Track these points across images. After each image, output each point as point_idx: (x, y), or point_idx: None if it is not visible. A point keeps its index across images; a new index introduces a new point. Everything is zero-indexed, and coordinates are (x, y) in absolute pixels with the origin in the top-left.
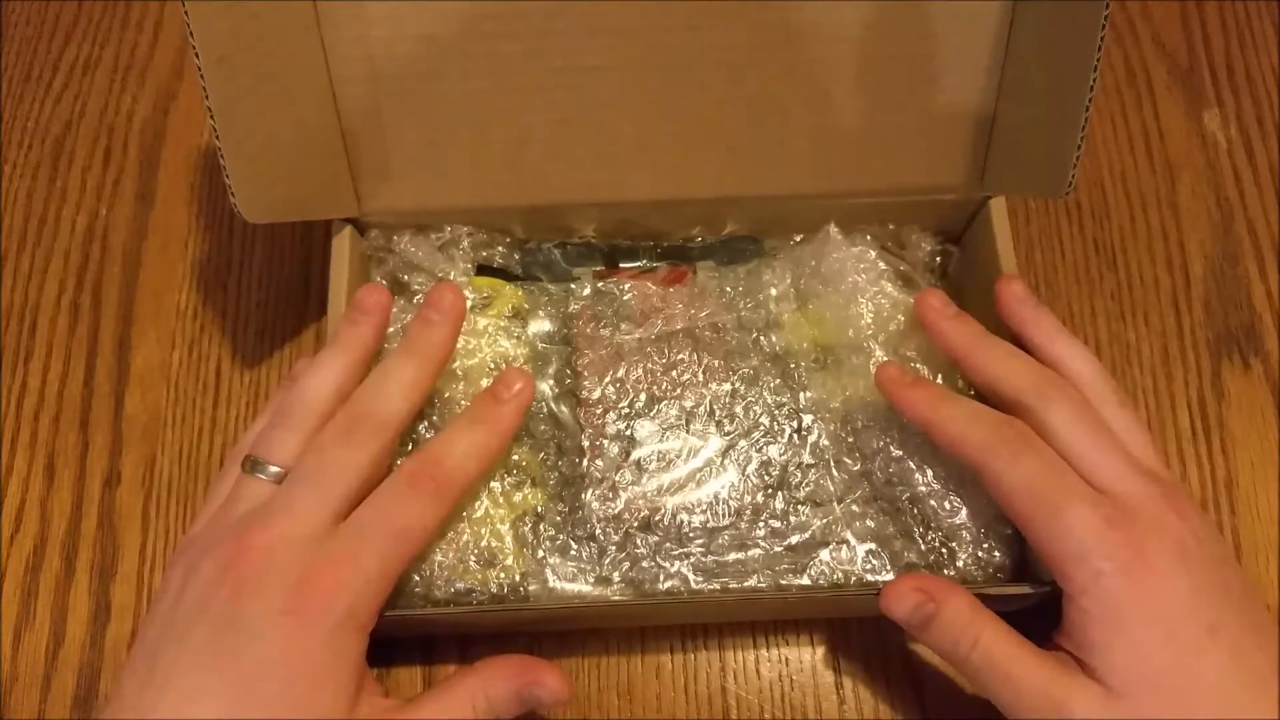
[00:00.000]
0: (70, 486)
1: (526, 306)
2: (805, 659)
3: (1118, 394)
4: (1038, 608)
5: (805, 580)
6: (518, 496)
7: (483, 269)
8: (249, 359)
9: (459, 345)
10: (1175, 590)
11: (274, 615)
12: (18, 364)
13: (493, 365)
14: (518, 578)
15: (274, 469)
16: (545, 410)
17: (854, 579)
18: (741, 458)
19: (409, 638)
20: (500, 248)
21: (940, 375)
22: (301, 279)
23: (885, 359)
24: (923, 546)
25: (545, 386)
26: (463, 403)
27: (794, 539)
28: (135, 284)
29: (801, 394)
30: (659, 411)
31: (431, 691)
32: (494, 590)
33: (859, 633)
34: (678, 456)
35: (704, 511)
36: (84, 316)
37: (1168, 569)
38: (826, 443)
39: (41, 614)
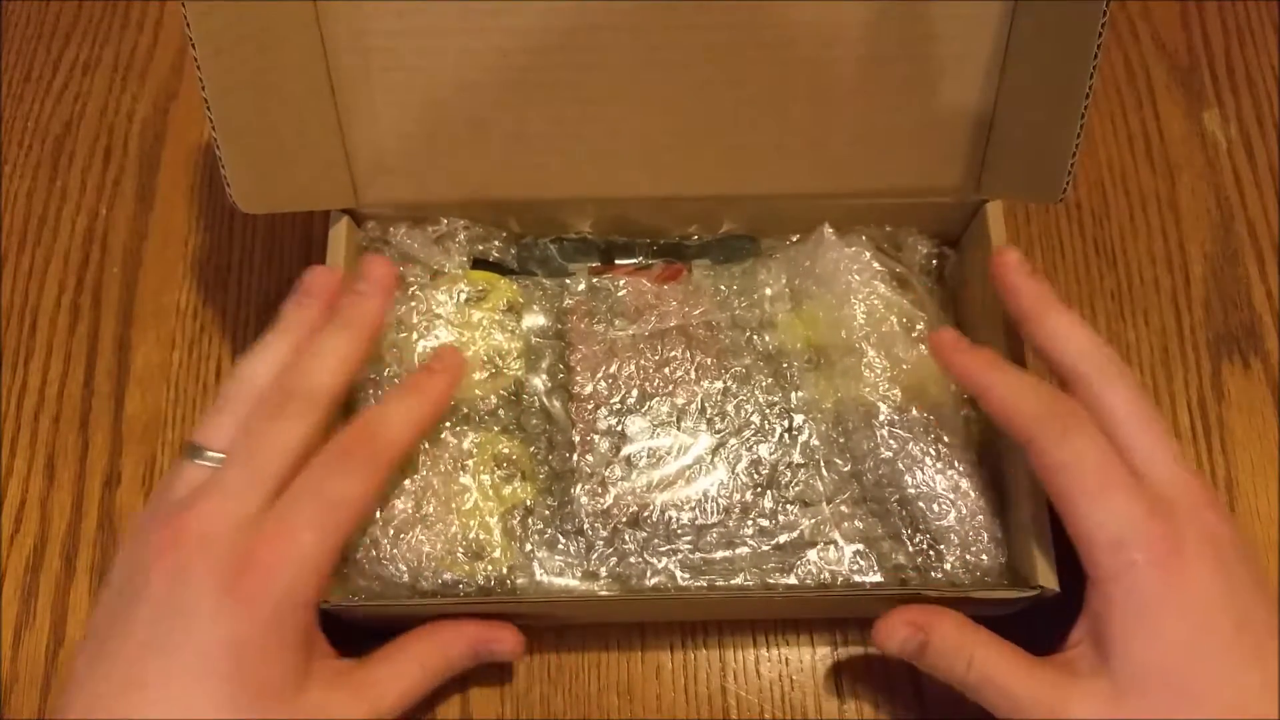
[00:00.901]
0: (70, 486)
1: (521, 301)
2: (805, 659)
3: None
4: (1028, 614)
5: (792, 580)
6: (507, 490)
7: (478, 262)
8: None
9: (453, 338)
10: (1207, 588)
11: (215, 596)
12: (18, 364)
13: (486, 358)
14: (505, 570)
15: (212, 454)
16: (537, 405)
17: (841, 579)
18: (731, 456)
19: (398, 630)
20: (496, 242)
21: (936, 379)
22: None
23: (877, 360)
24: (910, 548)
25: (538, 381)
26: (454, 396)
27: (782, 538)
28: (135, 284)
29: (793, 394)
30: (650, 408)
31: (388, 648)
32: (481, 582)
33: (859, 633)
34: (668, 453)
35: (693, 509)
36: (84, 316)
37: (1201, 566)
38: (817, 443)
39: (41, 614)
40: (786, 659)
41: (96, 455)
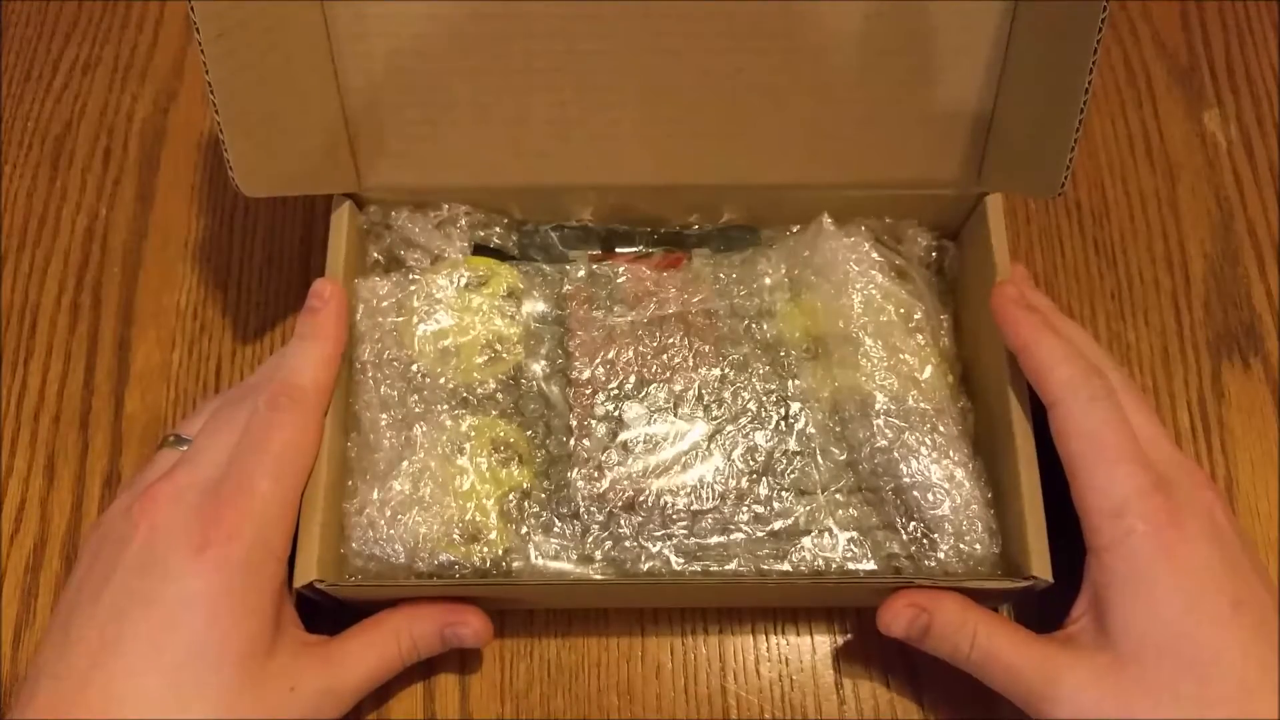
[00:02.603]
0: (70, 486)
1: (521, 287)
2: (805, 659)
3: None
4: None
5: (786, 567)
6: (504, 473)
7: (479, 248)
8: (249, 358)
9: (453, 322)
10: (1205, 561)
11: (186, 554)
12: (18, 364)
13: (485, 343)
14: (501, 553)
15: (189, 440)
16: (535, 389)
17: (835, 567)
18: (728, 443)
19: None
20: (497, 228)
21: (933, 369)
22: (302, 278)
23: (875, 350)
24: (904, 537)
25: (537, 366)
26: (453, 380)
27: (777, 525)
28: (135, 284)
29: (790, 382)
30: (648, 394)
31: (357, 627)
32: (477, 564)
33: (859, 632)
34: (665, 439)
35: (688, 494)
36: (84, 316)
37: (1199, 540)
38: (813, 431)
39: (42, 614)
40: (786, 659)
41: (96, 455)
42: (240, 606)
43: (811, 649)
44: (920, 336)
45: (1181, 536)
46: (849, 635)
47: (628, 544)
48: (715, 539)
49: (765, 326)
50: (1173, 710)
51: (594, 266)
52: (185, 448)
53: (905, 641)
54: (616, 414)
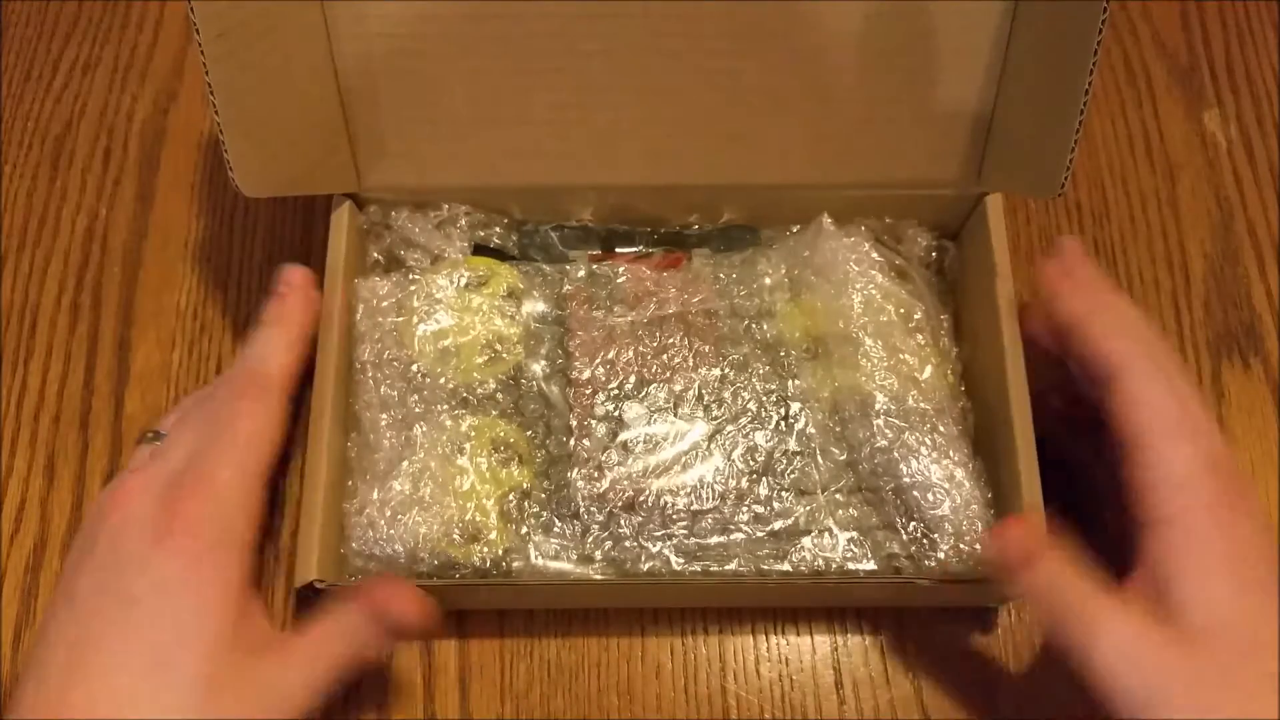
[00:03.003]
0: (70, 486)
1: (521, 286)
2: (805, 659)
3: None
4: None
5: (786, 567)
6: (504, 473)
7: (479, 248)
8: None
9: (453, 322)
10: (1259, 541)
11: (149, 545)
12: (18, 364)
13: (485, 343)
14: (501, 553)
15: (164, 436)
16: (535, 389)
17: (835, 567)
18: (728, 443)
19: None
20: (497, 228)
21: (933, 369)
22: None
23: (875, 350)
24: (904, 537)
25: (537, 366)
26: (453, 380)
27: (777, 525)
28: (135, 284)
29: (790, 382)
30: (648, 394)
31: (316, 621)
32: (477, 564)
33: (859, 632)
34: (665, 439)
35: (688, 494)
36: (84, 316)
37: (1252, 521)
38: (813, 431)
39: (41, 614)
40: (786, 659)
41: (96, 455)
42: (202, 594)
43: (811, 649)
44: (920, 336)
45: (1238, 517)
46: (849, 635)
47: (628, 544)
48: (715, 539)
49: (765, 326)
50: (1243, 684)
51: (594, 267)
52: (160, 443)
53: (1005, 564)
54: (616, 414)
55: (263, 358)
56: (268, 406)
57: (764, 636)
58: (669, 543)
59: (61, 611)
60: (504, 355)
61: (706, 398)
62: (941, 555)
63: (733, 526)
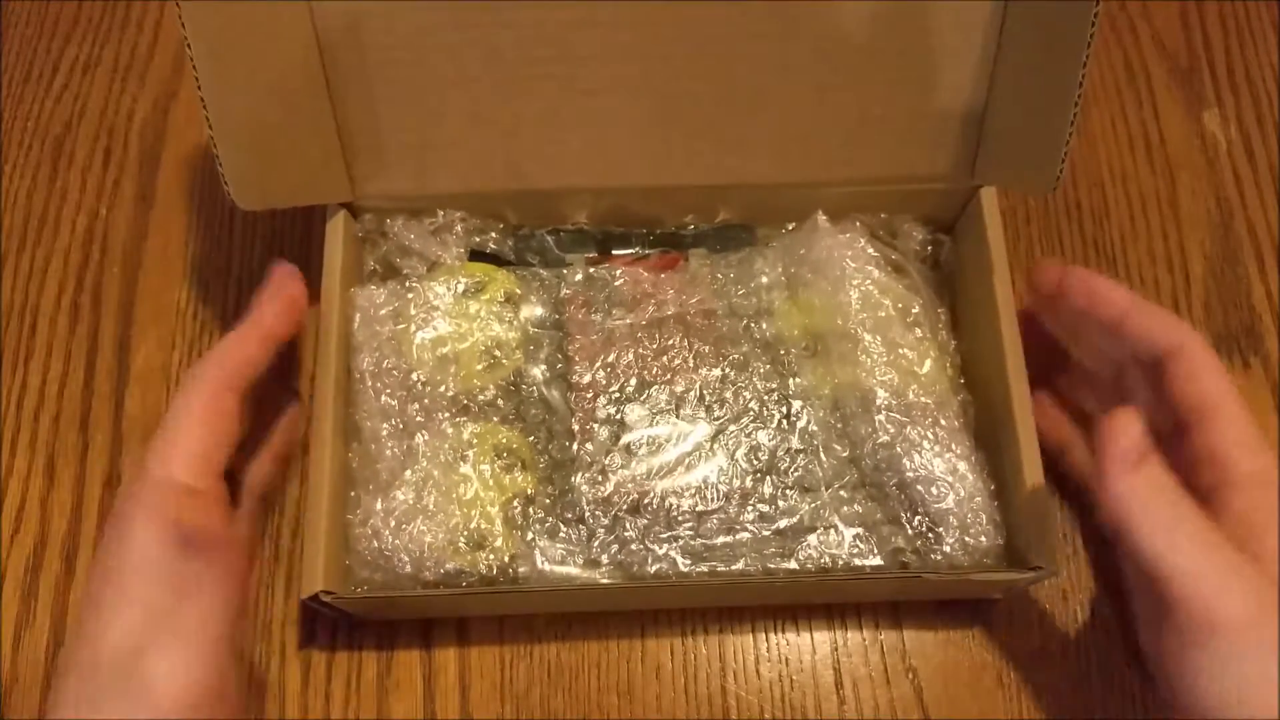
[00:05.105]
0: (70, 486)
1: (519, 291)
2: (805, 659)
3: None
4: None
5: (793, 564)
6: (508, 479)
7: (476, 254)
8: None
9: (451, 329)
10: None
11: (139, 520)
12: (18, 364)
13: (484, 349)
14: (507, 559)
15: None
16: (536, 394)
17: (841, 564)
18: (731, 443)
19: (406, 621)
20: (493, 233)
21: (932, 363)
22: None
23: (874, 345)
24: (910, 532)
25: (536, 371)
26: (453, 387)
27: (782, 523)
28: (135, 284)
29: (791, 380)
30: (649, 396)
31: None
32: (483, 571)
33: (859, 632)
34: (667, 441)
35: (693, 495)
36: (84, 316)
37: None
38: (815, 428)
39: (41, 614)
40: (786, 659)
41: (96, 455)
42: (159, 516)
43: (811, 649)
44: (919, 330)
45: None
46: (849, 635)
47: (634, 547)
48: (721, 539)
49: (764, 325)
50: None
51: (591, 270)
52: None
53: (1114, 462)
54: (618, 417)
55: (222, 346)
56: (220, 389)
57: (764, 636)
58: (675, 544)
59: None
60: (503, 361)
61: (708, 398)
62: (947, 548)
63: (738, 526)
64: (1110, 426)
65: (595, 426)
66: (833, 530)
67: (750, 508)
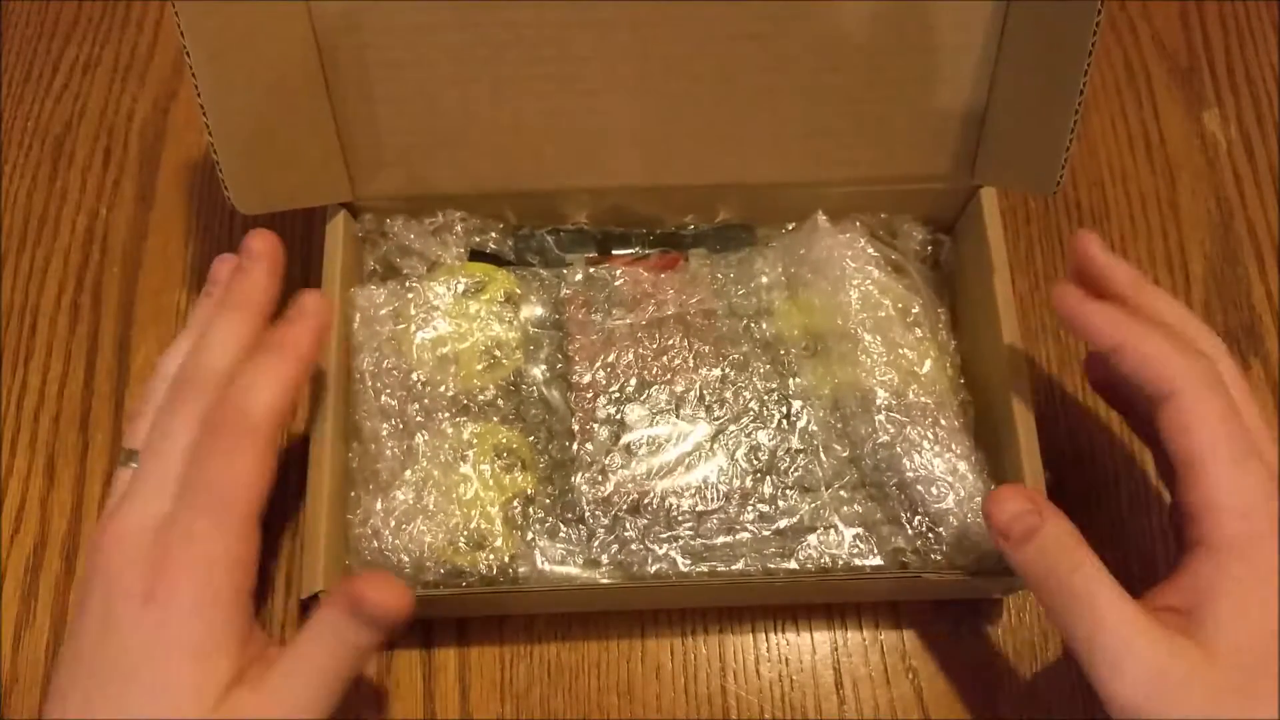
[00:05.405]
0: (70, 486)
1: (519, 291)
2: (805, 659)
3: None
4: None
5: (793, 564)
6: (508, 479)
7: (476, 254)
8: None
9: (451, 329)
10: None
11: (136, 605)
12: (18, 364)
13: (484, 349)
14: (507, 559)
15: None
16: (536, 394)
17: (841, 564)
18: (731, 443)
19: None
20: (493, 233)
21: (932, 363)
22: (302, 279)
23: (874, 345)
24: (910, 531)
25: (536, 371)
26: (453, 387)
27: (782, 523)
28: (135, 284)
29: (791, 380)
30: (649, 396)
31: (301, 634)
32: (483, 572)
33: (859, 632)
34: (667, 441)
35: (693, 495)
36: (84, 316)
37: None
38: (815, 428)
39: (41, 614)
40: (786, 659)
41: (96, 455)
42: (191, 655)
43: (811, 649)
44: (918, 331)
45: None
46: (849, 635)
47: (634, 547)
48: (721, 539)
49: (764, 325)
50: (1265, 695)
51: (591, 270)
52: (135, 464)
53: (1000, 536)
54: (618, 417)
55: (253, 391)
56: (258, 457)
57: (764, 636)
58: (675, 544)
59: (67, 674)
60: (503, 361)
61: (708, 398)
62: (947, 548)
63: (738, 526)
64: (987, 506)
65: (595, 426)
66: (833, 530)
67: (750, 508)
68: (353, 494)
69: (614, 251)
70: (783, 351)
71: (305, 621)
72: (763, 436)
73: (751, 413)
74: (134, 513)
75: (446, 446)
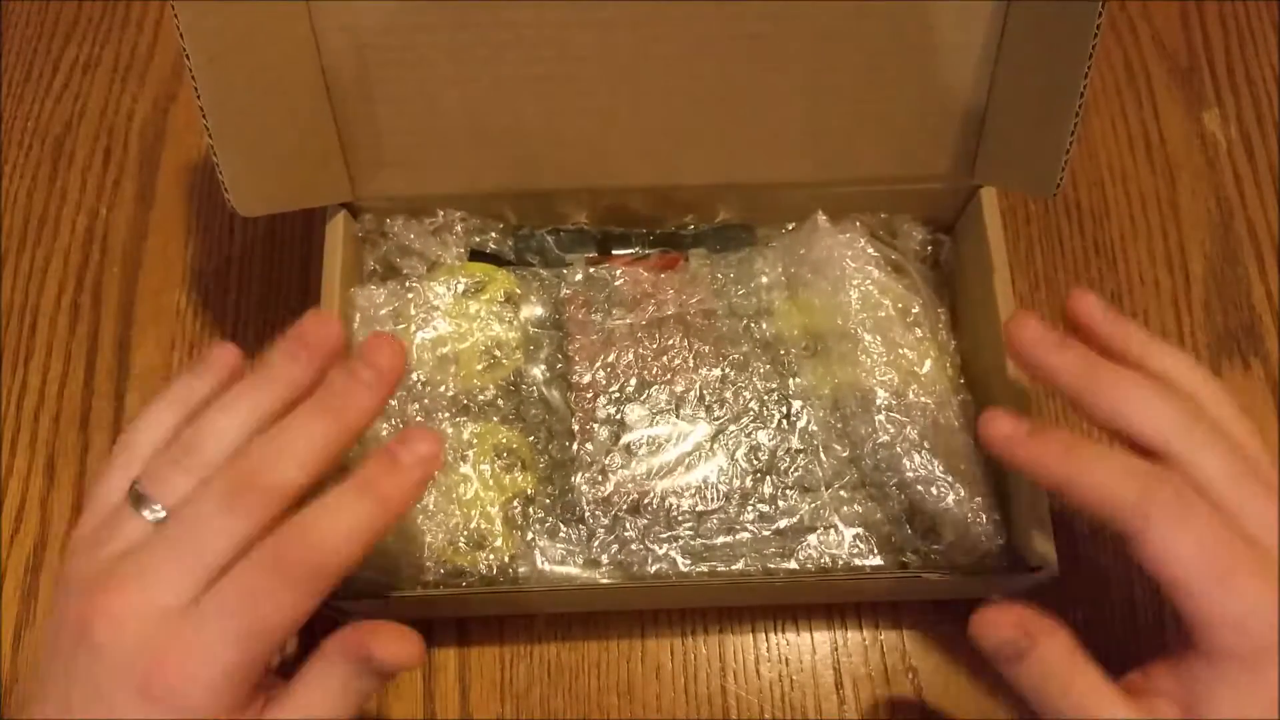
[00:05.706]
0: (70, 486)
1: (519, 291)
2: (805, 659)
3: (1236, 408)
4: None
5: (793, 564)
6: (508, 479)
7: (476, 254)
8: (249, 359)
9: (451, 329)
10: None
11: (132, 695)
12: (18, 364)
13: (484, 349)
14: (507, 559)
15: (159, 511)
16: (536, 394)
17: (841, 564)
18: (731, 443)
19: (406, 621)
20: (493, 233)
21: (932, 363)
22: (302, 279)
23: (874, 345)
24: (910, 531)
25: (536, 371)
26: (453, 387)
27: (782, 523)
28: (135, 284)
29: (791, 380)
30: (649, 396)
31: (300, 680)
32: (483, 571)
33: (859, 632)
34: (667, 441)
35: (693, 495)
36: (84, 316)
37: None
38: (815, 428)
39: (41, 614)
40: (786, 659)
41: (96, 455)
42: None
43: (811, 649)
44: (918, 330)
45: None
46: (849, 635)
47: (634, 546)
48: (721, 539)
49: (764, 325)
50: None
51: (591, 270)
52: (150, 516)
53: (988, 657)
54: (618, 417)
55: (338, 539)
56: (308, 600)
57: (764, 636)
58: (675, 544)
59: (41, 709)
60: (503, 361)
61: (708, 398)
62: (947, 548)
63: (738, 526)
64: (973, 629)
65: (595, 426)
66: (833, 530)
67: (750, 508)
68: None
69: (614, 251)
70: (783, 351)
71: (308, 664)
72: (763, 436)
73: (751, 413)
74: (142, 595)
75: (446, 446)
